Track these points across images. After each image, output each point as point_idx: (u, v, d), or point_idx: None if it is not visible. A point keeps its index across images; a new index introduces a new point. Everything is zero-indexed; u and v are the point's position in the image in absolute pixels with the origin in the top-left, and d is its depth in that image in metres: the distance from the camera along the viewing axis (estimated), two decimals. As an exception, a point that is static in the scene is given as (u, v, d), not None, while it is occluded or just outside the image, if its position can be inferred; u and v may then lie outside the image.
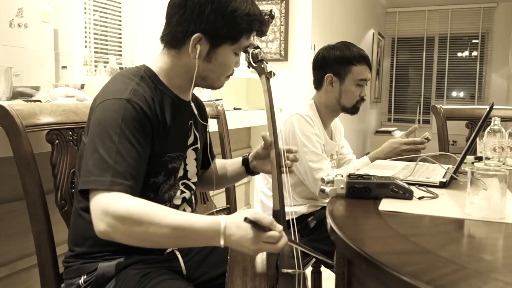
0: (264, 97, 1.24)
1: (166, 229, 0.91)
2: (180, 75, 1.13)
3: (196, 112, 1.22)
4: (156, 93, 1.09)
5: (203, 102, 1.35)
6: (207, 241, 0.93)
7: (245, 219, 0.89)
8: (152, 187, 1.10)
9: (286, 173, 1.21)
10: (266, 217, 0.92)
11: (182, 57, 1.11)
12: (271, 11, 1.25)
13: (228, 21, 1.07)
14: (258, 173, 1.36)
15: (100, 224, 0.91)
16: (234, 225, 0.91)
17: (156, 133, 1.06)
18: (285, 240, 0.94)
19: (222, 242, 0.91)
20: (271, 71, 1.27)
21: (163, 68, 1.13)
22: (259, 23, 1.12)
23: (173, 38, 1.10)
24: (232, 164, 1.40)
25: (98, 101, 1.03)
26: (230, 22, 1.07)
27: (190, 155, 1.21)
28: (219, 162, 1.43)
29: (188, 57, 1.10)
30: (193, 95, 1.27)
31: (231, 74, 1.19)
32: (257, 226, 0.89)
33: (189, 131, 1.20)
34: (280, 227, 0.93)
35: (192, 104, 1.21)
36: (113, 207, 0.91)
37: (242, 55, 1.21)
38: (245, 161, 1.35)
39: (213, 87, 1.20)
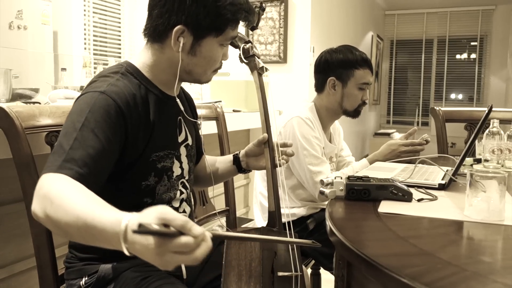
0: (257, 93, 1.23)
1: (71, 216, 0.75)
2: (164, 70, 1.08)
3: (182, 108, 1.16)
4: (139, 89, 1.04)
5: (206, 102, 1.34)
6: (110, 243, 0.70)
7: (139, 226, 0.63)
8: (146, 191, 1.07)
9: (280, 166, 1.19)
10: (178, 217, 0.64)
11: (165, 51, 1.06)
12: (261, 3, 1.23)
13: (211, 11, 1.01)
14: (250, 171, 1.34)
15: (33, 203, 0.83)
16: None
17: (135, 132, 1.01)
18: (206, 246, 0.65)
19: (125, 251, 0.67)
20: (263, 67, 1.24)
21: (146, 63, 1.08)
22: (245, 12, 1.05)
23: (155, 32, 1.05)
24: (223, 162, 1.37)
25: (76, 99, 1.01)
26: (213, 12, 1.01)
27: (183, 152, 1.17)
28: (209, 159, 1.40)
29: (171, 51, 1.05)
30: (181, 90, 1.23)
31: (219, 68, 1.14)
32: (157, 234, 0.63)
33: (179, 127, 1.16)
34: (198, 230, 0.64)
35: (178, 100, 1.15)
36: (44, 185, 0.82)
37: (230, 47, 1.15)
38: (237, 160, 1.33)
39: (200, 81, 1.14)
